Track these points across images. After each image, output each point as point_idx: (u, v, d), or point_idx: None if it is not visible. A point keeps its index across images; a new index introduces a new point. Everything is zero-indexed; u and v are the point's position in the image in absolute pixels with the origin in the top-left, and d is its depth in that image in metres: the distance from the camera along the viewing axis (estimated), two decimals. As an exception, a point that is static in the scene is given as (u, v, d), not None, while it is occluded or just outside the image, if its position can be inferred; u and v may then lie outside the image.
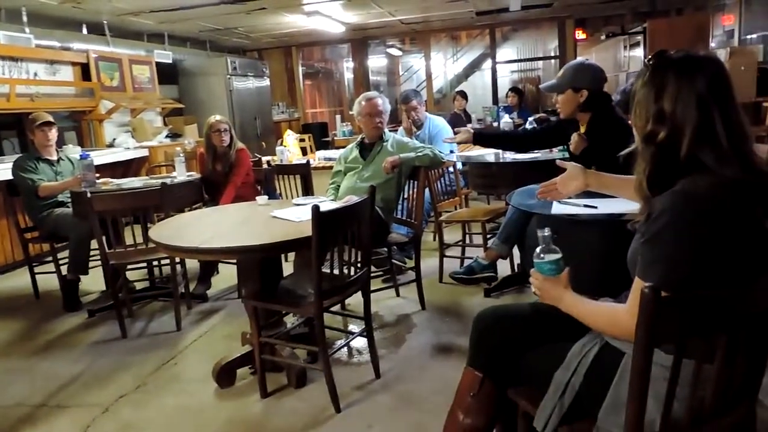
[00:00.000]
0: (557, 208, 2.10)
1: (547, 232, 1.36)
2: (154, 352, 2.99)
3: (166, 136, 6.99)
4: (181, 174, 4.05)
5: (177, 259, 3.27)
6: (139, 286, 3.88)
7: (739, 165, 1.15)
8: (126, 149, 6.21)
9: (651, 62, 1.26)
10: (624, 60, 12.01)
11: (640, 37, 9.86)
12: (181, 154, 4.15)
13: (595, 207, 2.03)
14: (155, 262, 3.62)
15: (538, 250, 1.38)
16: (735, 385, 1.18)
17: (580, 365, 1.33)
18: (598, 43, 12.52)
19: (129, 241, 3.39)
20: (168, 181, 3.74)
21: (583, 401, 1.31)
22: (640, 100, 1.25)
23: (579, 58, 3.38)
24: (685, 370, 1.09)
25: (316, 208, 2.08)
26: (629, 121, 1.26)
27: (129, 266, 3.46)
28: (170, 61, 7.82)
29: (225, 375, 2.56)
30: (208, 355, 2.83)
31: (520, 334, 1.53)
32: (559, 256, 1.36)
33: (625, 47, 11.75)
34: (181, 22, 7.19)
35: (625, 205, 1.87)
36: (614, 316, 1.23)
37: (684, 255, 1.12)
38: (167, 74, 7.94)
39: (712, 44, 8.01)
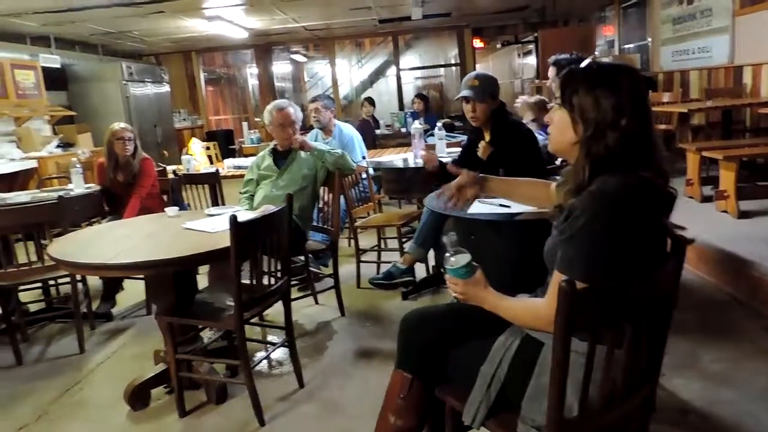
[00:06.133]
0: (474, 209, 2.19)
1: (453, 236, 1.40)
2: (55, 377, 2.77)
3: (57, 146, 6.50)
4: (78, 186, 3.80)
5: (78, 277, 3.06)
6: (32, 308, 3.58)
7: (649, 168, 1.27)
8: (11, 161, 5.71)
9: (585, 70, 1.34)
10: (518, 67, 12.73)
11: (532, 46, 10.49)
12: (78, 165, 3.89)
13: (509, 206, 2.14)
14: (51, 282, 3.36)
15: (447, 255, 1.40)
16: (641, 367, 1.30)
17: (504, 358, 1.40)
18: (494, 51, 13.18)
19: (22, 259, 3.12)
20: (64, 193, 3.49)
21: (508, 393, 1.38)
22: (585, 104, 1.30)
23: (481, 69, 3.54)
24: (598, 355, 1.18)
25: (233, 218, 2.03)
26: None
27: (21, 287, 3.18)
28: (58, 66, 7.29)
29: (138, 396, 2.43)
30: (117, 377, 2.66)
31: (444, 334, 1.58)
32: (469, 257, 1.40)
33: (519, 55, 12.46)
34: (69, 24, 6.72)
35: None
36: (535, 310, 1.31)
37: (601, 251, 1.21)
38: (55, 80, 7.37)
39: (596, 53, 8.67)
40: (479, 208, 2.24)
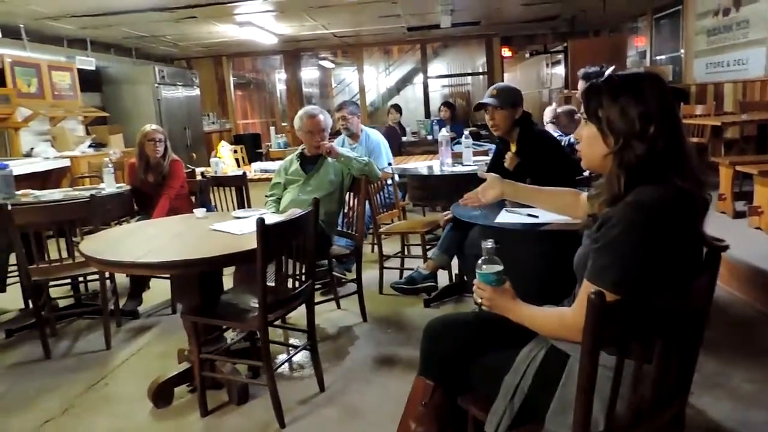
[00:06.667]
0: (501, 218, 2.18)
1: (490, 244, 1.40)
2: (82, 372, 2.82)
3: (90, 146, 6.66)
4: (110, 185, 3.88)
5: (107, 274, 3.12)
6: (61, 303, 3.65)
7: (683, 176, 1.25)
8: (45, 159, 5.86)
9: (607, 82, 1.32)
10: (546, 77, 12.62)
11: (561, 56, 10.41)
12: (110, 165, 3.97)
13: (537, 216, 2.12)
14: (80, 278, 3.43)
15: (480, 261, 1.41)
16: (670, 383, 1.27)
17: (528, 368, 1.38)
18: (522, 60, 13.11)
19: (53, 255, 3.20)
20: (95, 192, 3.56)
21: (532, 404, 1.36)
22: (611, 115, 1.30)
23: (509, 78, 3.56)
24: (626, 370, 1.15)
25: (261, 221, 2.05)
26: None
27: (51, 283, 3.25)
28: (93, 68, 7.47)
29: (162, 394, 2.46)
30: (142, 374, 2.70)
31: (468, 342, 1.57)
32: (501, 267, 1.40)
33: (547, 65, 12.36)
34: (105, 27, 6.90)
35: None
36: (562, 319, 1.30)
37: (635, 261, 1.19)
38: (90, 81, 7.56)
39: (627, 64, 8.56)
40: (506, 217, 2.22)
